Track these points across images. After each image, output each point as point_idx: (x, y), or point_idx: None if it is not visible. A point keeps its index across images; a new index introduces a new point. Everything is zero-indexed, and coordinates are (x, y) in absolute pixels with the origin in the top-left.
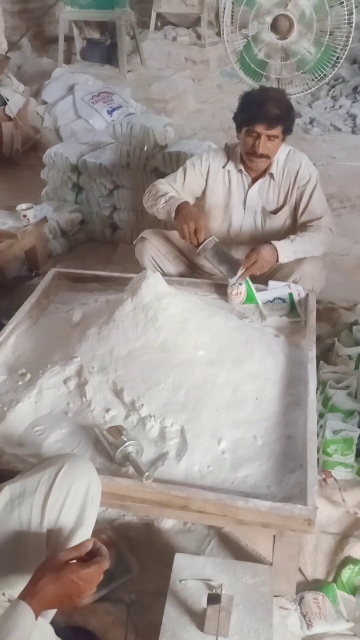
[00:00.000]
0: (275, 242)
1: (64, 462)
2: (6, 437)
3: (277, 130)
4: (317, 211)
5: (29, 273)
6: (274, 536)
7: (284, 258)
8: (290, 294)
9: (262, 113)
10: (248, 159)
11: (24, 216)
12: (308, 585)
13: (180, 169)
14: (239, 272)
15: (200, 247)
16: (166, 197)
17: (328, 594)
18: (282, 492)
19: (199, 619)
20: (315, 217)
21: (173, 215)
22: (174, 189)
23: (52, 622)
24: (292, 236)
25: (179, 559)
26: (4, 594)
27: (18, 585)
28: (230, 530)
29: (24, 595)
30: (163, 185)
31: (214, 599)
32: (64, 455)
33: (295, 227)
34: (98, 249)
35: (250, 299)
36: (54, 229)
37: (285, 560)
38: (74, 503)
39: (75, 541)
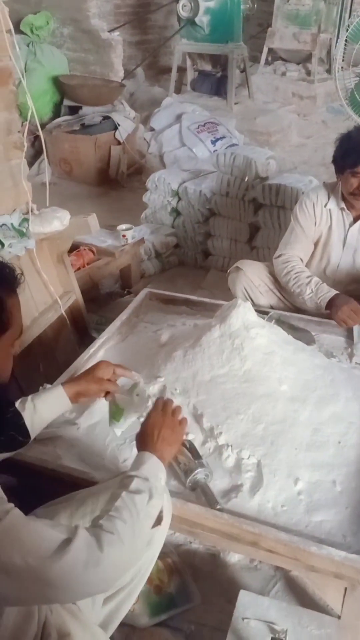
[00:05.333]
0: None
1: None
2: (88, 446)
3: None
4: None
5: (121, 290)
6: (345, 589)
7: None
8: None
9: None
10: (355, 199)
11: (123, 236)
12: None
13: (297, 226)
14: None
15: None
16: (311, 287)
17: None
18: (358, 543)
19: None
20: None
21: (323, 308)
22: (301, 250)
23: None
24: None
25: (244, 597)
26: None
27: None
28: (299, 575)
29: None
30: (296, 262)
31: None
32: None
33: None
34: (188, 273)
35: None
36: (149, 250)
37: (355, 617)
38: None
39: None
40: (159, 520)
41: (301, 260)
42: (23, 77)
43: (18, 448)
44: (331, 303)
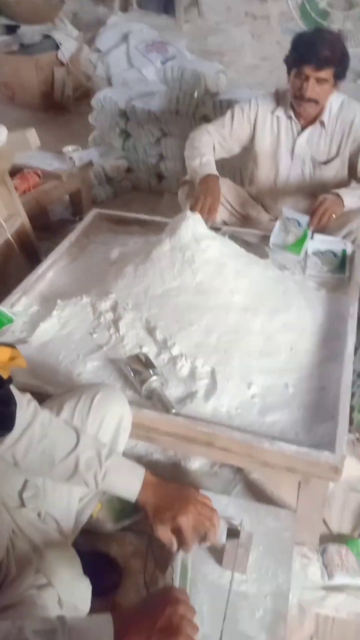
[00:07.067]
0: (337, 190)
1: (98, 390)
2: (41, 363)
3: (326, 73)
4: None
5: (72, 217)
6: (299, 483)
7: (349, 204)
8: (344, 251)
9: (312, 54)
10: (296, 102)
11: (70, 158)
12: (332, 539)
13: (228, 114)
14: (309, 222)
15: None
16: (202, 159)
17: (352, 548)
18: (310, 440)
19: (218, 555)
20: None
21: (197, 180)
22: (220, 136)
23: (74, 545)
24: (355, 184)
25: None
26: (39, 515)
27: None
28: (257, 477)
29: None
30: (207, 136)
31: (233, 534)
32: (98, 385)
33: (348, 180)
34: (143, 197)
35: (295, 247)
36: (99, 174)
37: (309, 510)
38: (107, 431)
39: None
40: None
41: (214, 147)
42: None
43: None
44: (205, 180)
